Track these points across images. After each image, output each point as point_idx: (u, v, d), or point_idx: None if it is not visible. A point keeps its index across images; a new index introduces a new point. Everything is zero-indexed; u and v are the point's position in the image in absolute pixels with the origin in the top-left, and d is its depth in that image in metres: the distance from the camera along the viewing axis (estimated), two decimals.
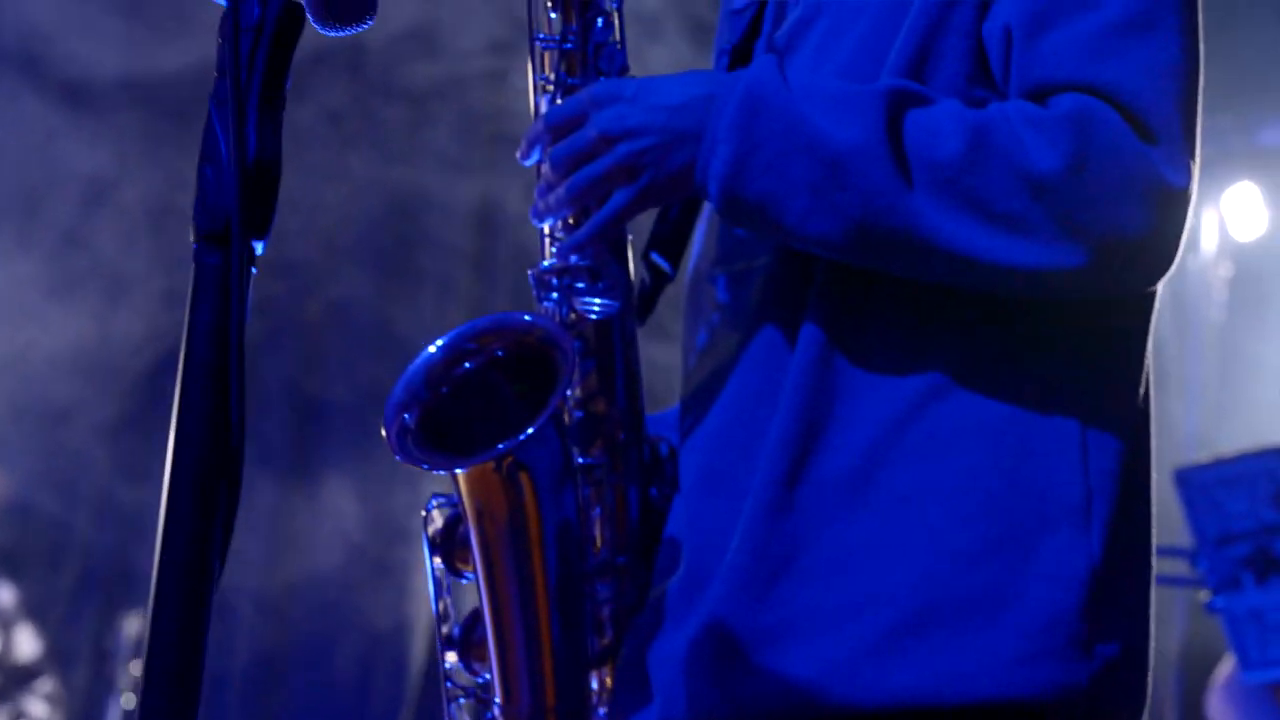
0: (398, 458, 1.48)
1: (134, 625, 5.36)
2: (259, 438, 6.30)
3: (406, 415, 1.52)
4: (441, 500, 1.58)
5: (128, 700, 5.29)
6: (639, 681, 1.59)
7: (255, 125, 1.16)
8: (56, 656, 5.74)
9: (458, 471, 1.51)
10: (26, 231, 5.97)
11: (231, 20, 1.15)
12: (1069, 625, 1.39)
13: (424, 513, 1.61)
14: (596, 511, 1.61)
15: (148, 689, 1.02)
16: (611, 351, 1.61)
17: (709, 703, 1.53)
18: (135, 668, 5.40)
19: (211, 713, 6.44)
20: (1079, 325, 1.46)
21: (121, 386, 6.10)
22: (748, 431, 1.58)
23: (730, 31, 1.77)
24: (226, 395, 1.10)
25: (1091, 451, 1.43)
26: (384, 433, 1.50)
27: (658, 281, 1.76)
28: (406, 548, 6.21)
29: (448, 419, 1.55)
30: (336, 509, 6.26)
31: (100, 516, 6.25)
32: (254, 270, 1.15)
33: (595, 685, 1.60)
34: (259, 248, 1.16)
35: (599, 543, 1.61)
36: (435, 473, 1.53)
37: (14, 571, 5.69)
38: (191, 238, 1.13)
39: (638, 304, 1.70)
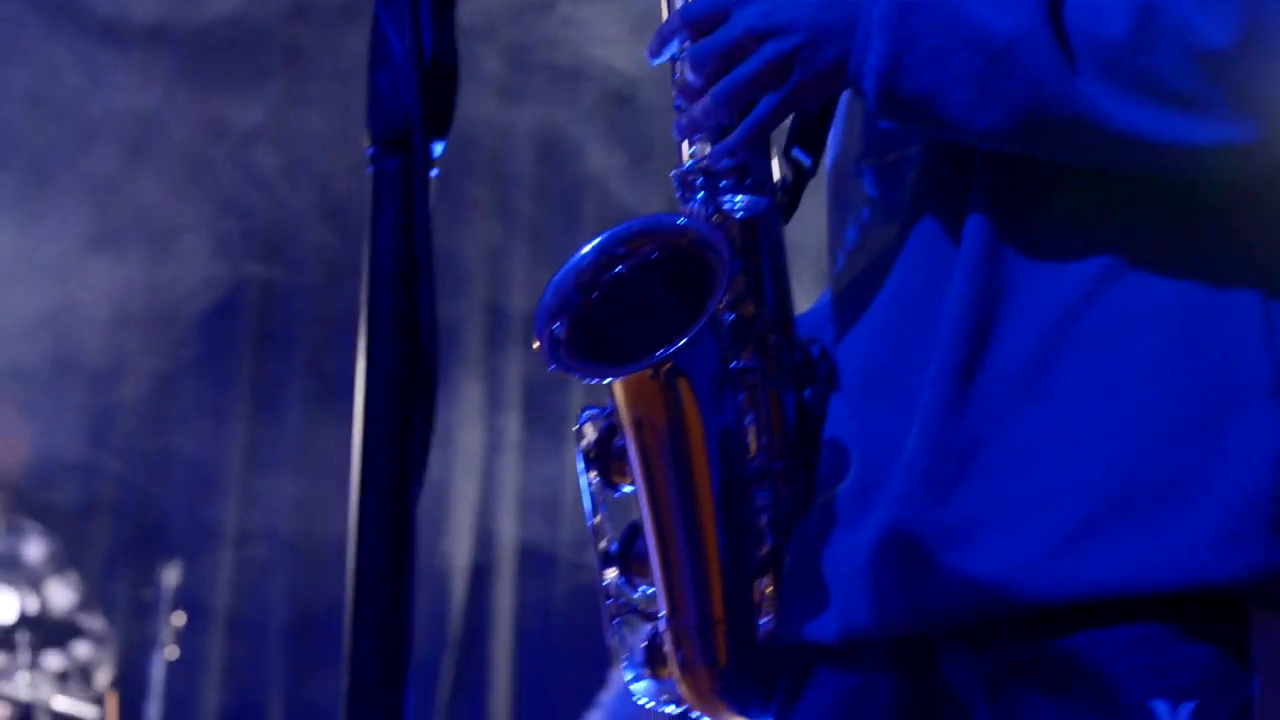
0: (551, 367, 1.48)
1: (173, 576, 5.46)
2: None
3: (557, 324, 1.51)
4: (594, 413, 1.58)
5: (170, 653, 5.40)
6: (811, 589, 1.59)
7: (429, 22, 1.14)
8: (93, 607, 5.89)
9: (614, 380, 1.50)
10: (68, 182, 6.02)
11: None
12: (1266, 507, 1.38)
13: (576, 426, 1.60)
14: (751, 417, 1.58)
15: (359, 604, 1.01)
16: (760, 251, 1.59)
17: (896, 610, 1.53)
18: (176, 619, 5.56)
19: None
20: (1253, 200, 1.45)
21: (169, 337, 6.18)
22: (915, 329, 1.57)
23: None
24: (416, 302, 1.07)
25: (1275, 328, 1.42)
26: (535, 343, 1.50)
27: (799, 177, 1.73)
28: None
29: (600, 326, 1.55)
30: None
31: (137, 469, 6.35)
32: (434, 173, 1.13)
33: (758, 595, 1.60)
34: (439, 149, 1.14)
35: (755, 449, 1.58)
36: (588, 382, 1.53)
37: (54, 525, 5.80)
38: (367, 143, 1.12)
39: (782, 201, 1.67)
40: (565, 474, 6.03)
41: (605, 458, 1.60)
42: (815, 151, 1.75)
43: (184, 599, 5.74)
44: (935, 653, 1.56)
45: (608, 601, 1.62)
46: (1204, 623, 1.41)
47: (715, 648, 1.57)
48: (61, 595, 5.62)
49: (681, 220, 1.56)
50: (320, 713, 6.36)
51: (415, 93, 1.09)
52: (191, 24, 5.78)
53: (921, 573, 1.52)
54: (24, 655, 5.44)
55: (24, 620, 5.53)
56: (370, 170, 1.11)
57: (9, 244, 5.42)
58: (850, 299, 1.66)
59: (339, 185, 5.98)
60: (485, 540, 6.59)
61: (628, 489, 1.59)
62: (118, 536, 6.35)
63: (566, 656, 6.25)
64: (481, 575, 6.60)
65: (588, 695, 5.81)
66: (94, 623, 5.86)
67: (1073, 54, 1.44)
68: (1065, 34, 1.45)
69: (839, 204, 1.72)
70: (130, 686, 5.85)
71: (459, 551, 6.21)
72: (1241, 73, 1.37)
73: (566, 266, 1.55)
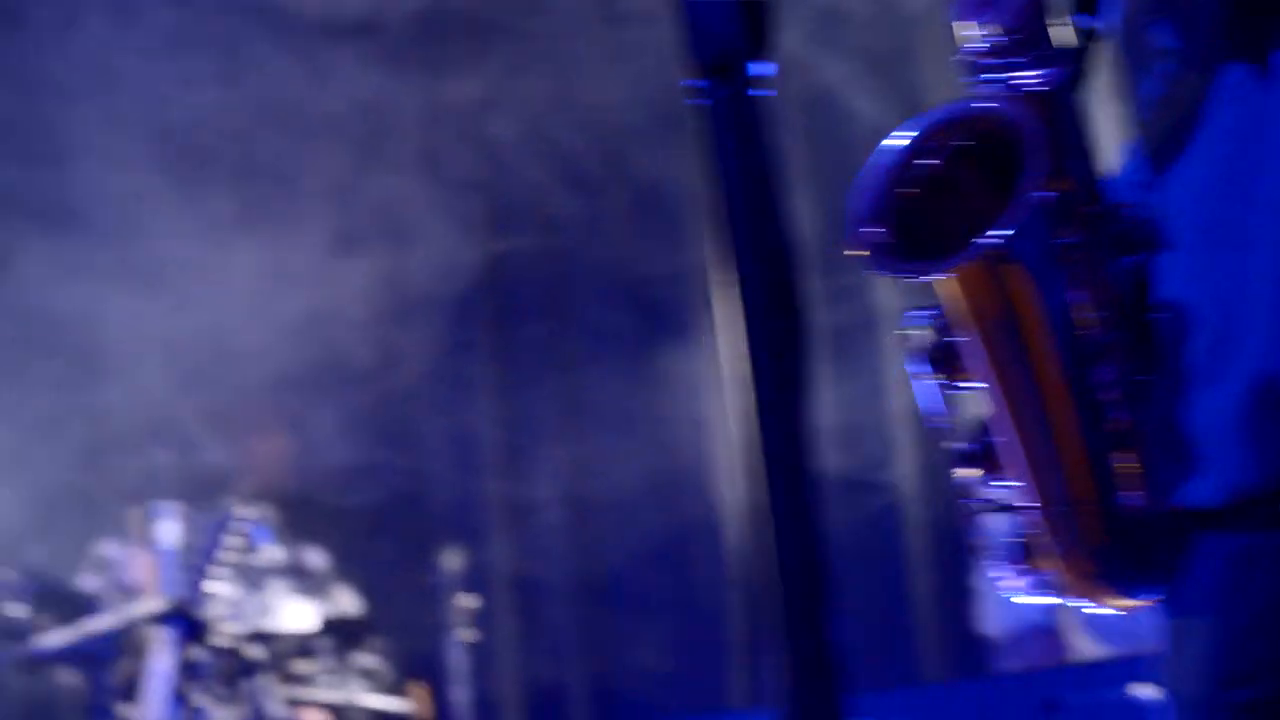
0: (877, 271, 1.50)
1: (453, 560, 5.59)
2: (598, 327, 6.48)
3: (876, 226, 1.52)
4: (919, 313, 1.58)
5: (466, 636, 5.53)
6: (1181, 455, 1.59)
7: None
8: (382, 602, 6.13)
9: (945, 275, 1.51)
10: (308, 184, 6.19)
11: None
12: None
13: (899, 331, 1.61)
14: (1085, 292, 1.57)
15: (785, 575, 1.04)
16: (1064, 123, 1.56)
17: (1272, 462, 1.53)
18: (463, 600, 5.69)
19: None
20: None
21: (423, 324, 6.33)
22: (1244, 174, 1.57)
23: None
24: (773, 230, 1.09)
25: None
26: (851, 250, 1.51)
27: (1087, 41, 1.70)
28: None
29: (917, 222, 1.55)
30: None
31: (410, 458, 6.52)
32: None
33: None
34: (766, 69, 1.14)
35: (1094, 323, 1.57)
36: (918, 280, 1.53)
37: (335, 526, 6.04)
38: (689, 76, 1.13)
39: (1074, 67, 1.64)
40: (846, 400, 6.04)
41: (940, 356, 1.59)
42: (1096, 14, 1.71)
43: (472, 580, 5.89)
44: None
45: (969, 502, 1.62)
46: None
47: (1092, 529, 1.57)
48: (350, 595, 5.81)
49: (982, 104, 1.55)
50: (619, 675, 6.56)
51: (733, 15, 1.09)
52: (400, 12, 5.92)
53: None
54: (328, 659, 5.68)
55: (321, 625, 5.73)
56: (698, 101, 1.11)
57: (261, 253, 5.60)
58: (1165, 151, 1.65)
59: (572, 147, 6.06)
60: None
61: (966, 385, 1.59)
62: (398, 527, 6.58)
63: (876, 573, 6.28)
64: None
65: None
66: (387, 617, 6.07)
67: None
68: None
69: (1135, 61, 1.72)
70: (433, 674, 6.06)
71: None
72: None
73: (873, 167, 1.54)
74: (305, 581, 5.73)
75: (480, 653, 5.92)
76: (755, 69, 1.14)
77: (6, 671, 5.41)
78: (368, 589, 5.98)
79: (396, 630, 5.97)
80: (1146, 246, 1.65)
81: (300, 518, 5.93)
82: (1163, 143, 1.67)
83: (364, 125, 6.28)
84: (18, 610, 5.46)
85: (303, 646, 5.61)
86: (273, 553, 5.57)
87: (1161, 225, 1.65)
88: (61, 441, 6.08)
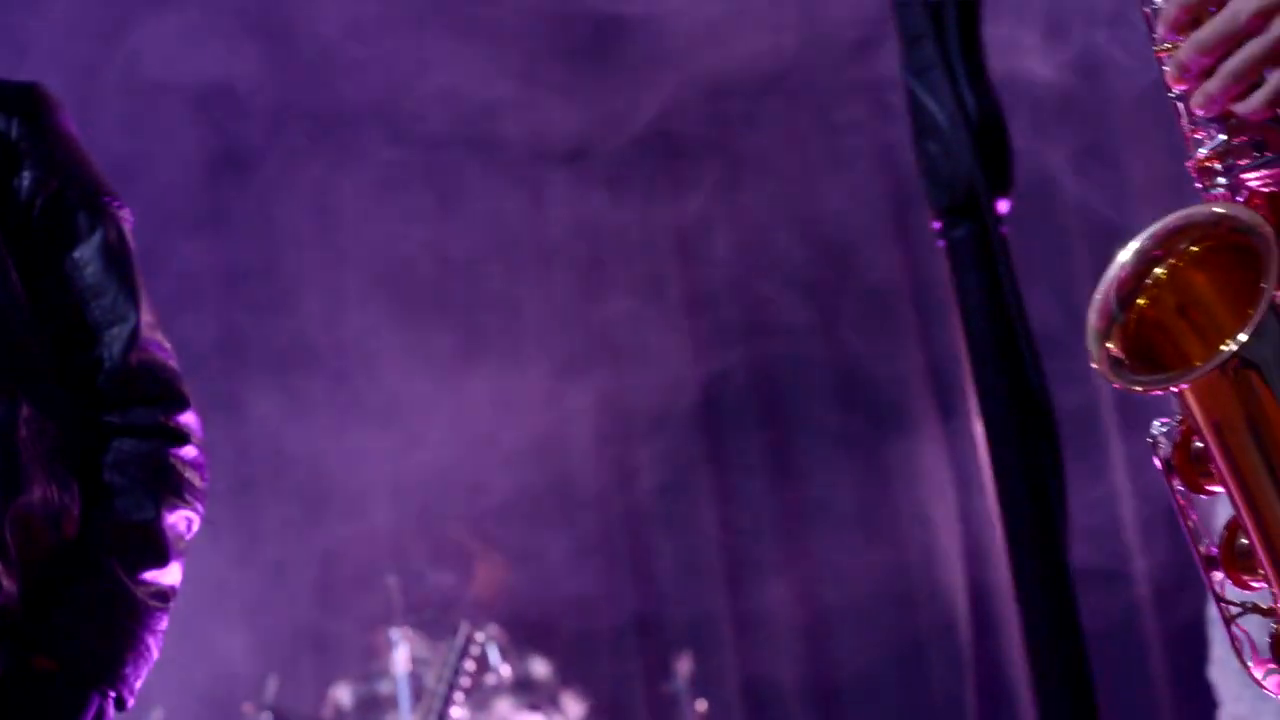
0: (1115, 385, 1.55)
1: (685, 665, 5.66)
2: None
3: (1110, 341, 1.58)
4: (1165, 422, 1.63)
5: None
6: None
7: (968, 82, 1.21)
8: (621, 712, 6.18)
9: (1181, 385, 1.55)
10: (534, 310, 6.41)
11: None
12: None
13: (1150, 438, 1.65)
14: None
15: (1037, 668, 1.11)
16: None
17: None
18: (699, 705, 5.75)
19: None
20: None
21: (650, 446, 6.47)
22: None
23: None
24: (1020, 363, 1.15)
25: None
26: (1094, 365, 1.57)
27: None
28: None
29: (1151, 332, 1.61)
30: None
31: (640, 576, 6.65)
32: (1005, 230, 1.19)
33: None
34: (1004, 206, 1.21)
35: None
36: (1151, 386, 1.58)
37: (563, 639, 6.18)
38: (931, 219, 1.21)
39: None
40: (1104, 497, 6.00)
41: (1185, 463, 1.63)
42: None
43: (706, 686, 5.95)
44: None
45: (1221, 604, 1.65)
46: None
47: None
48: (578, 703, 5.89)
49: (1216, 208, 1.60)
50: None
51: (972, 156, 1.15)
52: (612, 136, 6.12)
53: None
54: None
55: None
56: (941, 242, 1.18)
57: (487, 383, 5.78)
58: None
59: (793, 256, 6.18)
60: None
61: (1213, 489, 1.62)
62: (635, 642, 6.63)
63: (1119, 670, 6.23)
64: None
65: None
66: None
67: None
68: None
69: None
70: None
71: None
72: None
73: (1105, 279, 1.60)
74: (533, 695, 5.84)
75: None
76: (995, 205, 1.21)
77: None
78: (604, 698, 6.10)
79: None
80: None
81: (530, 634, 6.07)
82: None
83: (584, 249, 6.46)
84: None
85: None
86: (503, 671, 5.69)
87: None
88: (296, 581, 6.24)
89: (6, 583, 2.11)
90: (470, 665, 5.31)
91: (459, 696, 5.23)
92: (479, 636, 5.47)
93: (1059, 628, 1.14)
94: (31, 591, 2.17)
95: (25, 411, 2.16)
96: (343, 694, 5.89)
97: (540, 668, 5.92)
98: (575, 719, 5.91)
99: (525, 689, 5.83)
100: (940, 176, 1.22)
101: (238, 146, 6.65)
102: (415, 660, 5.67)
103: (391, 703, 5.71)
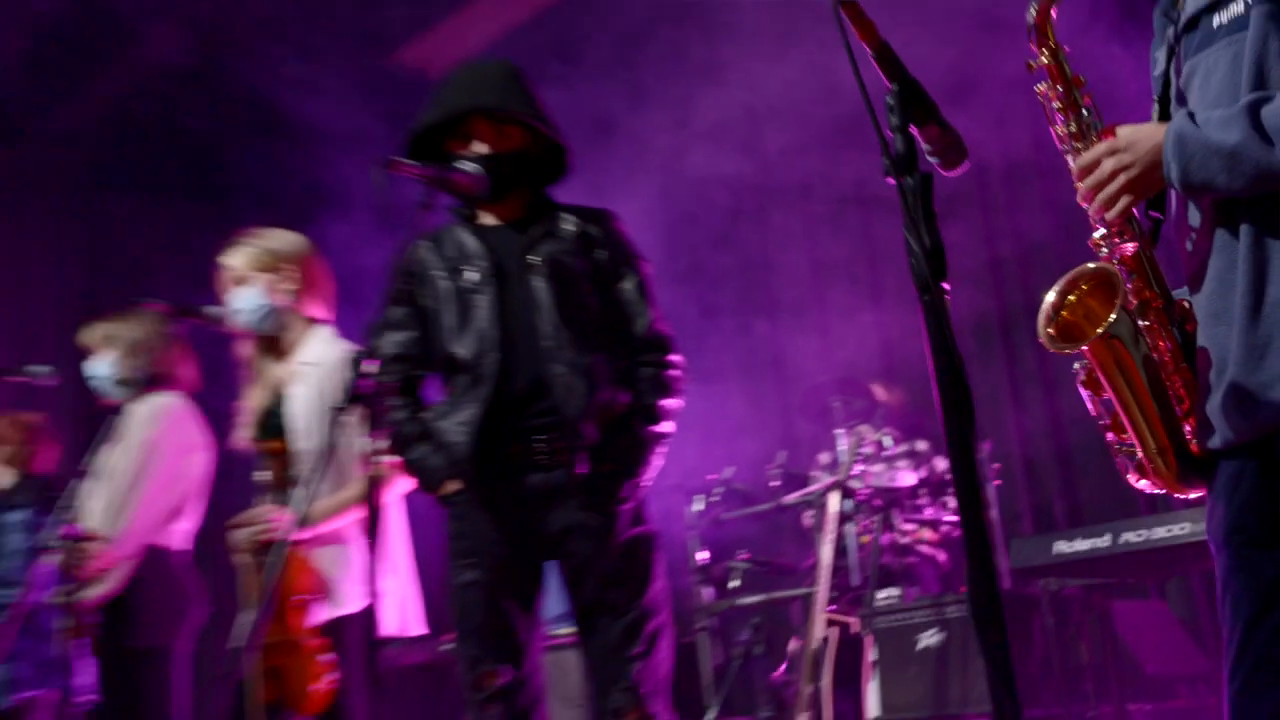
0: (1052, 351, 2.36)
1: None
2: None
3: (1050, 329, 2.36)
4: (1078, 365, 2.43)
5: None
6: (1205, 424, 2.31)
7: (925, 229, 1.90)
8: None
9: (1084, 348, 2.31)
10: None
11: (904, 193, 1.91)
12: None
13: (1075, 370, 2.41)
14: (1159, 345, 2.34)
15: None
16: (1145, 264, 2.36)
17: (1238, 426, 2.22)
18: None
19: None
20: None
21: None
22: (1226, 288, 2.26)
23: (1155, 93, 2.51)
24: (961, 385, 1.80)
25: None
26: (1041, 341, 2.35)
27: (1156, 224, 2.47)
28: None
29: (1069, 325, 2.37)
30: None
31: None
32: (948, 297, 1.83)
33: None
34: (947, 285, 1.87)
35: (1165, 359, 2.33)
36: (1072, 353, 2.33)
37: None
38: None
39: (1149, 238, 2.41)
40: None
41: (1090, 382, 2.41)
42: (1161, 209, 2.48)
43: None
44: (1274, 447, 2.21)
45: (1111, 448, 2.43)
46: None
47: (1169, 460, 2.34)
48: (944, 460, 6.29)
49: (1095, 264, 2.37)
50: None
51: (925, 263, 2.25)
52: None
53: (1249, 405, 2.20)
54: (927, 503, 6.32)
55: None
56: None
57: None
58: (1194, 276, 2.35)
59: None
60: None
61: (1105, 396, 2.37)
62: None
63: None
64: None
65: None
66: None
67: (1271, 140, 2.12)
68: (1265, 131, 2.12)
69: (1180, 227, 2.41)
70: None
71: None
72: None
73: (1046, 300, 2.37)
74: (915, 459, 6.43)
75: None
76: (939, 286, 1.89)
77: None
78: None
79: None
80: (1188, 323, 2.38)
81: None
82: (1193, 269, 2.36)
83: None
84: None
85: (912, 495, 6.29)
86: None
87: (1197, 311, 2.36)
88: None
89: (590, 433, 3.30)
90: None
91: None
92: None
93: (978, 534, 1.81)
94: (602, 437, 3.35)
95: (597, 358, 3.36)
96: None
97: (922, 444, 6.49)
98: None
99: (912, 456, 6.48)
100: (915, 270, 1.91)
101: None
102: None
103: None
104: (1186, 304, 2.40)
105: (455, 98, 3.40)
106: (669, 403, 3.44)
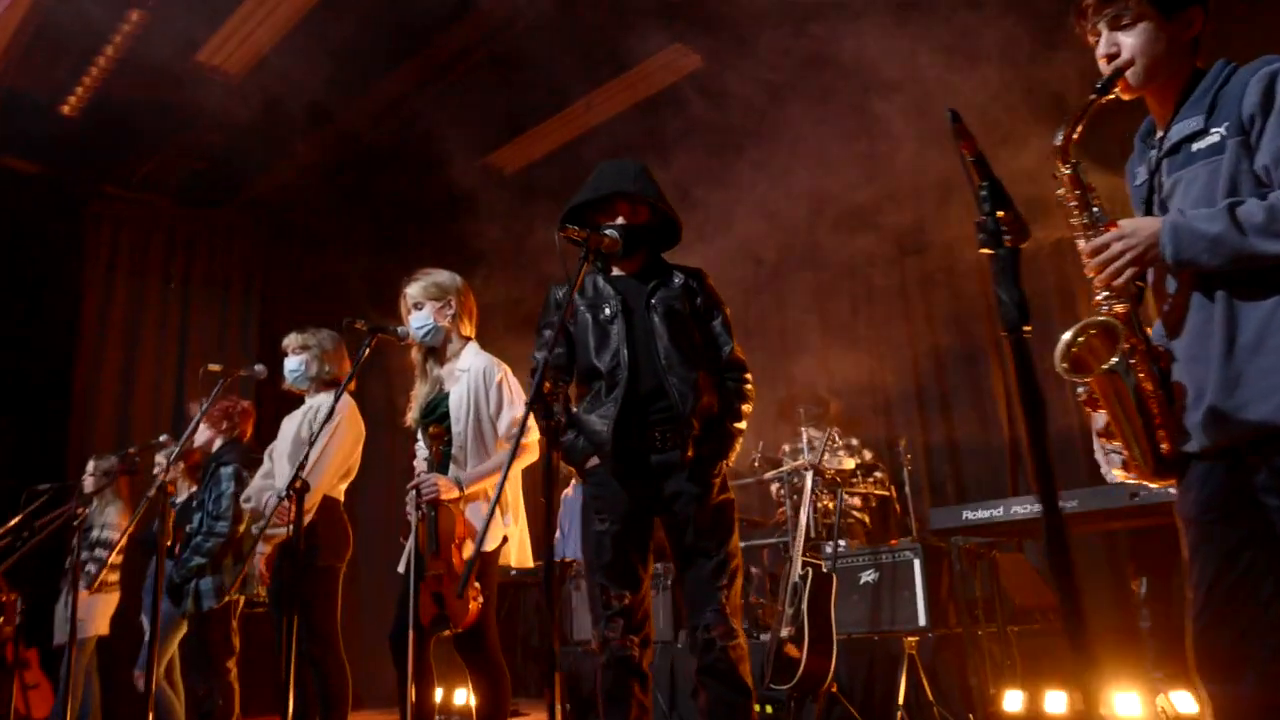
0: (1067, 379, 2.20)
1: None
2: None
3: (1064, 363, 2.20)
4: (1080, 389, 2.29)
5: None
6: (1183, 434, 2.23)
7: (1013, 287, 2.06)
8: None
9: (1090, 379, 2.19)
10: None
11: (996, 260, 2.10)
12: None
13: (1079, 390, 2.24)
14: (1143, 378, 2.22)
15: None
16: (1134, 321, 2.25)
17: (1215, 437, 2.14)
18: None
19: None
20: None
21: None
22: (1203, 337, 2.19)
23: (1136, 197, 2.41)
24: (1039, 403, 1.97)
25: None
26: (1059, 370, 2.18)
27: (1141, 290, 2.40)
28: None
29: (1079, 359, 2.21)
30: None
31: None
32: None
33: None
34: (1029, 329, 2.19)
35: (1149, 389, 2.21)
36: (1081, 379, 2.21)
37: None
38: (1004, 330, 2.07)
39: (1135, 301, 2.28)
40: None
41: (1089, 402, 2.26)
42: (1144, 279, 2.39)
43: None
44: (1242, 458, 2.12)
45: (1104, 448, 2.29)
46: None
47: (1148, 460, 2.22)
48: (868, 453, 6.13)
49: (1099, 316, 2.21)
50: None
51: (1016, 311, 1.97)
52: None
53: (1224, 422, 2.12)
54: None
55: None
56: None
57: None
58: (1172, 327, 2.27)
59: None
60: None
61: (1099, 411, 2.22)
62: None
63: None
64: None
65: None
66: None
67: (1245, 231, 2.06)
68: (1241, 225, 2.06)
69: (1159, 290, 2.33)
70: None
71: None
72: None
73: (1061, 341, 2.20)
74: (850, 450, 6.28)
75: None
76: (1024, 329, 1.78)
77: None
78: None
79: None
80: (1167, 362, 2.28)
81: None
82: (1171, 323, 2.28)
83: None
84: None
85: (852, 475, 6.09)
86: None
87: (1175, 354, 2.26)
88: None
89: (696, 427, 3.22)
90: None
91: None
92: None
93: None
94: (700, 429, 3.25)
95: (701, 375, 3.28)
96: None
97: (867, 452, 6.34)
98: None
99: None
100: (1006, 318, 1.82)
101: None
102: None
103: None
104: (1161, 348, 2.32)
105: (605, 184, 3.36)
106: (745, 407, 3.38)
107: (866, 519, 6.22)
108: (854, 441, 6.35)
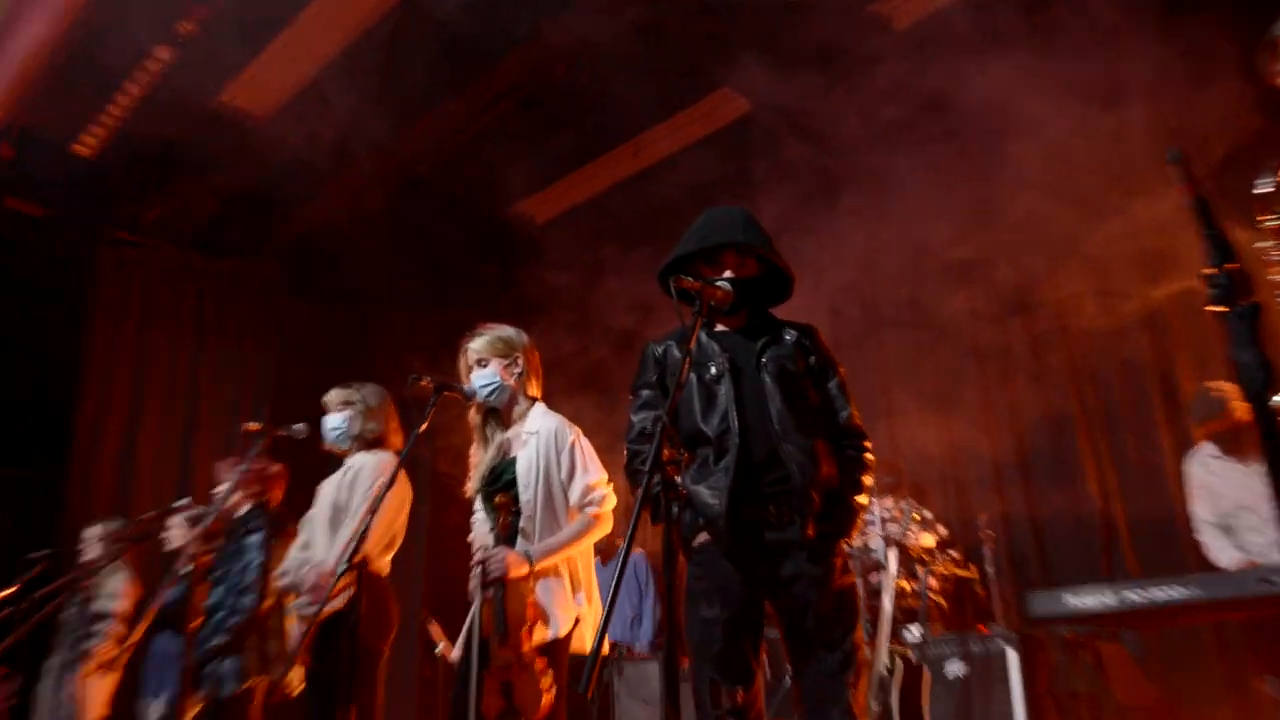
0: None
1: None
2: None
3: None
4: None
5: None
6: None
7: (1254, 347, 1.94)
8: None
9: None
10: None
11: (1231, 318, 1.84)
12: None
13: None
14: None
15: None
16: None
17: None
18: None
19: None
20: None
21: None
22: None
23: None
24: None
25: None
26: None
27: None
28: None
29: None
30: None
31: None
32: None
33: None
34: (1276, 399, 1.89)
35: None
36: None
37: None
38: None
39: None
40: None
41: None
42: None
43: None
44: None
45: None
46: None
47: None
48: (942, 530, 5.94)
49: None
50: None
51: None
52: None
53: None
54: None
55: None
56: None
57: None
58: None
59: None
60: None
61: None
62: None
63: None
64: None
65: None
66: None
67: None
68: None
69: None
70: None
71: None
72: None
73: None
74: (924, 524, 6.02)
75: None
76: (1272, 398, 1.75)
77: None
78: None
79: None
80: None
81: None
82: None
83: None
84: None
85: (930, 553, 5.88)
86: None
87: None
88: None
89: (812, 503, 3.00)
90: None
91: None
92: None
93: None
94: (820, 503, 3.03)
95: (819, 443, 3.09)
96: None
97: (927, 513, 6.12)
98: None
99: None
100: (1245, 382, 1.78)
101: None
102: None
103: None
104: None
105: (713, 234, 3.18)
106: (867, 479, 3.17)
107: (943, 602, 5.93)
108: (928, 514, 6.11)
